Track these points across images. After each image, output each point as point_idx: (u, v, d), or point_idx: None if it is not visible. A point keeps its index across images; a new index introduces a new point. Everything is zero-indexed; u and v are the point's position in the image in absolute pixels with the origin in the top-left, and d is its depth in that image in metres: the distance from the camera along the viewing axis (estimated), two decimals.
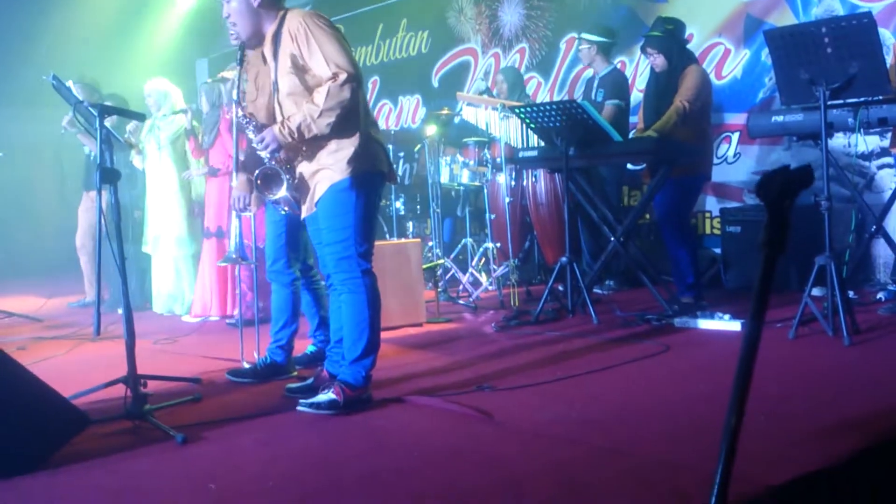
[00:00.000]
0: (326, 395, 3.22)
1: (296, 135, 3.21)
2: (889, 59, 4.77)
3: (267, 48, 3.36)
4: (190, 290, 6.25)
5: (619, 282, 6.31)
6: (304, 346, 4.19)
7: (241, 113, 3.46)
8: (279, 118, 3.33)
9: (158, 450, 2.88)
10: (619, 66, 6.52)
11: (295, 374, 3.95)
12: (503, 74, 7.03)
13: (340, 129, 3.22)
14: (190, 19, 10.65)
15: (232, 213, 4.25)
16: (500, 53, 8.49)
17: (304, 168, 3.36)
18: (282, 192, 3.36)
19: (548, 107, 5.08)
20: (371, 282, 3.29)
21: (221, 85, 5.56)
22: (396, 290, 5.05)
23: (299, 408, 3.21)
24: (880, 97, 4.11)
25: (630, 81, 7.12)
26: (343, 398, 3.20)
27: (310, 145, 3.28)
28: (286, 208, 3.48)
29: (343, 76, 3.13)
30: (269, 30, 3.34)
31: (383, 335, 4.72)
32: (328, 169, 3.27)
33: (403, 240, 5.94)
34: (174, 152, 6.29)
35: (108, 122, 3.53)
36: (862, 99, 4.13)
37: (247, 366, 4.00)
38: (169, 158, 6.28)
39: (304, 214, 3.43)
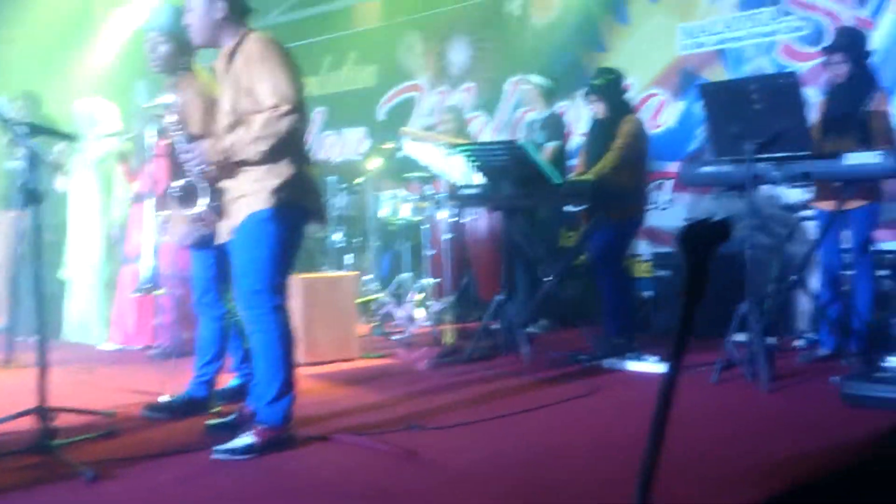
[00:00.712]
0: (244, 440, 3.11)
1: (225, 155, 3.16)
2: (813, 117, 4.99)
3: (220, 63, 3.31)
4: (105, 317, 6.05)
5: (553, 321, 6.40)
6: (228, 378, 4.08)
7: (173, 119, 3.43)
8: (215, 135, 3.29)
9: (65, 487, 2.76)
10: (559, 110, 6.69)
11: (217, 409, 3.79)
12: (451, 112, 7.15)
13: (270, 158, 3.15)
14: (133, 39, 10.52)
15: (147, 239, 4.17)
16: (447, 91, 8.61)
17: (227, 192, 3.29)
18: (199, 208, 3.30)
19: (491, 146, 5.19)
20: (283, 318, 3.20)
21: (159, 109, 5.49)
22: (330, 323, 5.05)
23: (215, 455, 3.07)
24: (803, 153, 4.29)
25: (571, 126, 7.32)
26: (262, 440, 3.11)
27: (237, 170, 3.22)
28: (202, 226, 3.41)
29: (284, 108, 3.07)
30: (227, 46, 3.28)
31: (314, 370, 4.74)
32: (250, 196, 3.18)
33: (339, 273, 5.96)
34: (100, 175, 6.09)
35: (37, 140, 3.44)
36: (786, 154, 4.30)
37: (167, 399, 3.85)
38: (94, 181, 6.09)
39: (218, 240, 3.37)
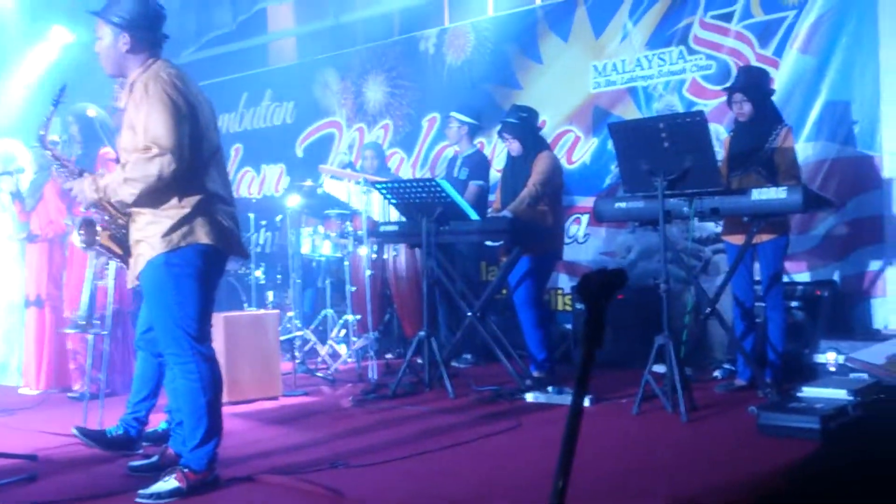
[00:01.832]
0: (168, 484, 3.05)
1: (102, 194, 3.12)
2: (721, 153, 5.20)
3: (124, 95, 3.26)
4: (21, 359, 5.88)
5: (477, 356, 6.44)
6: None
7: (49, 154, 3.39)
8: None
9: None
10: (479, 146, 6.80)
11: (141, 450, 3.74)
12: (372, 149, 7.18)
13: (154, 201, 3.08)
14: (47, 72, 10.25)
15: (87, 275, 4.09)
16: (365, 128, 8.65)
17: (131, 235, 3.22)
18: (102, 245, 3.27)
19: (408, 183, 5.22)
20: (207, 365, 3.13)
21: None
22: (252, 361, 4.97)
23: (139, 500, 3.01)
24: (712, 189, 4.45)
25: (488, 162, 7.44)
26: (186, 484, 3.06)
27: (132, 211, 3.17)
28: (113, 261, 3.38)
29: (154, 151, 2.98)
30: (131, 76, 3.23)
31: (237, 409, 4.66)
32: (146, 242, 3.12)
33: (261, 310, 5.88)
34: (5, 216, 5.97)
35: None
36: (696, 190, 4.46)
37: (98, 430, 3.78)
38: (9, 221, 5.96)
39: (129, 284, 3.32)
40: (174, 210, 3.10)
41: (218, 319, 5.00)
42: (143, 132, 3.04)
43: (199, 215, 3.13)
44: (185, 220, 3.10)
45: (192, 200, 3.13)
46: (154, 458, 3.42)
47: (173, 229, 3.09)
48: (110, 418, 3.94)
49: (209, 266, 3.19)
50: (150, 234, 3.10)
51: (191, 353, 3.11)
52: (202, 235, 3.13)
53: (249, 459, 3.60)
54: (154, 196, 3.06)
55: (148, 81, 3.10)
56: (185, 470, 3.11)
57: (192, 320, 3.12)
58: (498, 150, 7.13)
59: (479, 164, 6.30)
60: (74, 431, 3.71)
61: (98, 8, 3.29)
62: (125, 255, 3.35)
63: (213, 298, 3.28)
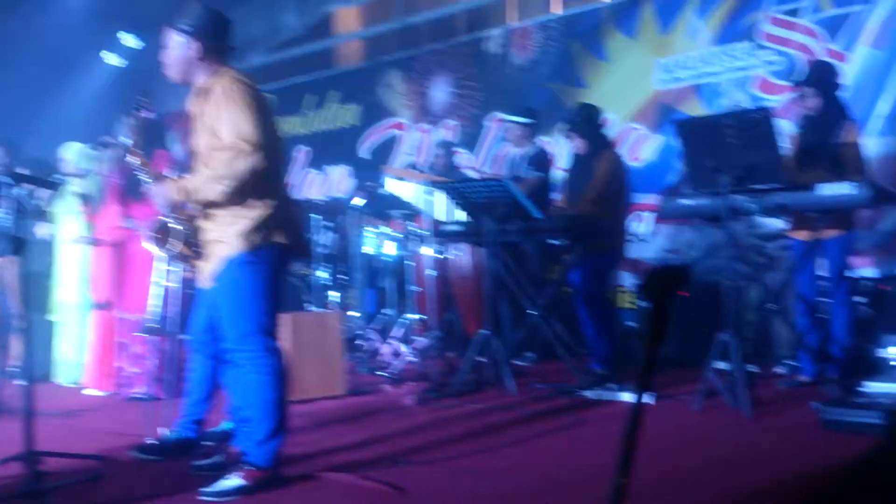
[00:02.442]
0: (233, 481, 3.10)
1: (188, 196, 3.18)
2: (788, 149, 5.11)
3: (194, 102, 3.33)
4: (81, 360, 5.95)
5: (539, 354, 6.43)
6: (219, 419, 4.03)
7: (137, 160, 3.47)
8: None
9: None
10: (544, 145, 6.79)
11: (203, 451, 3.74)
12: (442, 148, 7.21)
13: (236, 199, 3.15)
14: (115, 80, 10.60)
15: (156, 278, 4.19)
16: (430, 129, 8.72)
17: (206, 235, 3.29)
18: (176, 247, 3.32)
19: (472, 184, 5.26)
20: (276, 360, 3.20)
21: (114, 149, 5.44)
22: (315, 361, 5.06)
23: (202, 498, 3.05)
24: (778, 185, 4.39)
25: (554, 160, 7.43)
26: (251, 481, 3.10)
27: (209, 212, 3.23)
28: (189, 267, 3.44)
29: (243, 147, 3.06)
30: (200, 83, 3.31)
31: (300, 408, 4.72)
32: (224, 242, 3.19)
33: (324, 310, 5.98)
34: (77, 218, 6.06)
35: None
36: (762, 186, 4.40)
37: (157, 440, 3.83)
38: (74, 224, 6.06)
39: (201, 284, 3.38)
40: (254, 210, 3.18)
41: (284, 319, 5.10)
42: (228, 132, 3.11)
43: (276, 215, 3.23)
44: (265, 220, 3.19)
45: (271, 201, 3.22)
46: (219, 458, 3.46)
47: (254, 229, 3.17)
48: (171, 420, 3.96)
49: (281, 263, 3.30)
50: (230, 233, 3.18)
51: (262, 349, 3.18)
52: (279, 235, 3.23)
53: (312, 457, 3.64)
54: (238, 194, 3.14)
55: (228, 85, 3.18)
56: (249, 467, 3.14)
57: (266, 316, 3.21)
58: (563, 148, 7.10)
59: (540, 160, 6.30)
60: (135, 453, 3.72)
61: (168, 18, 3.38)
62: (194, 258, 3.43)
63: (281, 296, 3.36)
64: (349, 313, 6.46)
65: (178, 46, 3.32)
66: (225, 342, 3.28)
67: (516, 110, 6.43)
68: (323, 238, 6.94)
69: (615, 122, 7.07)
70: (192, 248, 3.35)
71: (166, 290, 4.38)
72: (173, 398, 4.14)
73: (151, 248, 3.60)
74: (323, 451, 3.77)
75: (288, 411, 3.27)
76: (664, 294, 1.51)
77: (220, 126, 3.15)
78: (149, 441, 3.84)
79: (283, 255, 3.29)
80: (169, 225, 3.36)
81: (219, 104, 3.17)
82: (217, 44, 3.35)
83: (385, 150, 9.03)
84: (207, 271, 3.29)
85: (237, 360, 3.26)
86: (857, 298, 5.28)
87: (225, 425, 3.96)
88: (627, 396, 4.70)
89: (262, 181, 3.16)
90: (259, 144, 3.09)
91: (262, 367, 3.19)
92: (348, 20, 10.66)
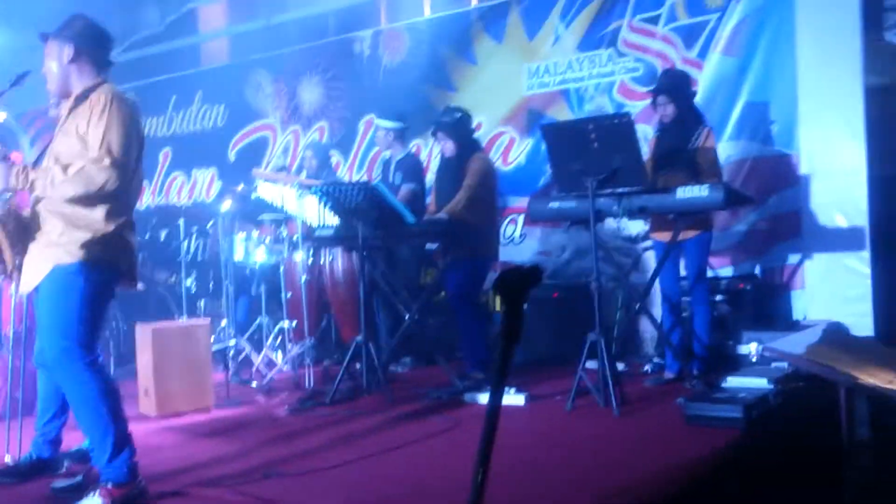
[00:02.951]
0: (91, 502, 3.00)
1: (33, 187, 3.14)
2: (647, 154, 5.32)
3: (65, 107, 3.31)
4: None
5: (416, 359, 6.45)
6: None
7: None
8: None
9: None
10: (414, 150, 6.81)
11: (63, 470, 3.58)
12: (312, 150, 7.09)
13: (81, 210, 3.13)
14: None
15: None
16: (300, 130, 8.60)
17: (39, 238, 3.21)
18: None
19: (343, 187, 5.20)
20: (98, 372, 3.13)
21: None
22: (183, 373, 4.89)
23: None
24: (640, 188, 4.56)
25: (425, 164, 7.47)
26: (111, 500, 3.01)
27: (45, 216, 3.18)
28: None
29: (107, 161, 3.08)
30: (79, 90, 3.28)
31: (167, 422, 4.59)
32: (57, 248, 3.13)
33: (191, 320, 5.79)
34: None
35: None
36: (624, 189, 4.57)
37: (8, 461, 3.64)
38: None
39: (22, 290, 3.30)
40: (97, 222, 3.16)
41: (147, 331, 4.94)
42: (96, 143, 3.11)
43: (117, 237, 3.22)
44: (105, 235, 3.16)
45: (118, 221, 3.21)
46: (78, 478, 3.33)
47: (94, 242, 3.14)
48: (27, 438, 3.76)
49: (111, 283, 3.28)
50: (66, 241, 3.12)
51: (83, 363, 3.10)
52: (114, 253, 3.21)
53: (180, 473, 3.53)
54: (83, 206, 3.12)
55: (108, 98, 3.18)
56: (109, 486, 3.05)
57: (87, 332, 3.13)
58: (435, 152, 7.16)
59: (412, 168, 6.31)
60: None
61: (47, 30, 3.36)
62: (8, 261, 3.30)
63: (105, 312, 3.35)
64: (219, 322, 6.28)
65: (56, 55, 3.31)
66: (44, 355, 3.21)
67: (387, 113, 6.41)
68: (190, 244, 6.73)
69: (486, 126, 7.18)
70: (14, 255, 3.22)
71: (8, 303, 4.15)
72: (25, 417, 3.94)
73: None
74: (191, 466, 3.66)
75: (125, 423, 3.19)
76: (516, 295, 1.54)
77: (91, 136, 3.14)
78: (6, 460, 3.66)
79: (113, 275, 3.26)
80: None
81: (94, 114, 3.16)
82: (97, 55, 3.36)
83: (254, 153, 8.83)
84: (31, 277, 3.19)
85: (58, 377, 3.20)
86: (716, 297, 5.56)
87: (86, 444, 3.80)
88: (504, 398, 4.75)
89: (113, 199, 3.18)
90: (121, 164, 3.12)
91: (85, 383, 3.11)
92: (213, 17, 10.36)
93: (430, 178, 6.85)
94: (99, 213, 3.15)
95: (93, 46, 3.35)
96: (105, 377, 3.16)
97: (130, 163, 3.19)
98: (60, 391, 3.56)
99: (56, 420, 3.64)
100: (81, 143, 3.15)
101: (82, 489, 3.18)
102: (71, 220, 3.13)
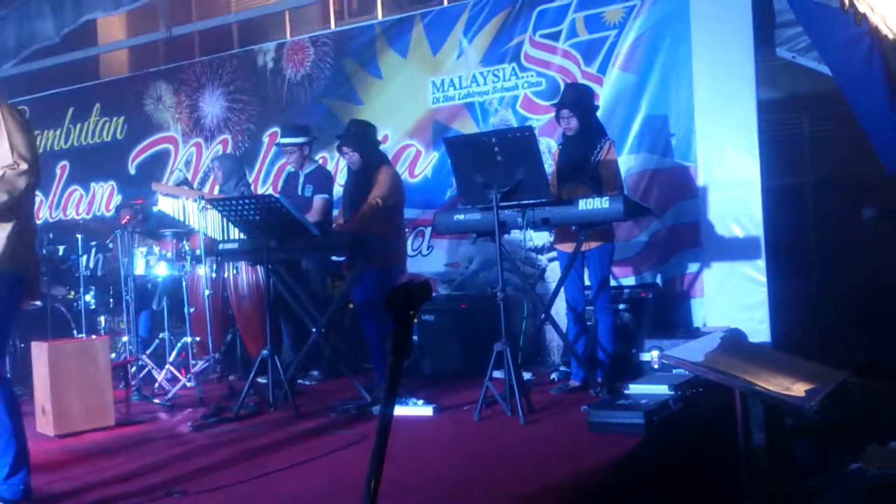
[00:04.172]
0: None
1: None
2: (551, 166, 5.43)
3: None
4: None
5: (324, 372, 6.39)
6: None
7: None
8: None
9: None
10: (321, 161, 6.77)
11: None
12: (219, 162, 6.94)
13: (2, 217, 3.13)
14: None
15: None
16: (202, 143, 8.44)
17: None
18: None
19: (244, 201, 5.12)
20: (5, 390, 3.09)
21: None
22: (81, 391, 4.73)
23: None
24: (543, 200, 4.65)
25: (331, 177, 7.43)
26: None
27: None
28: None
29: (23, 166, 3.12)
30: None
31: (64, 442, 4.43)
32: None
33: (90, 337, 5.61)
34: None
35: None
36: (528, 201, 4.65)
37: None
38: None
39: None
40: (8, 234, 3.13)
41: (42, 348, 4.76)
42: (6, 151, 3.13)
43: (24, 245, 3.20)
44: (14, 246, 3.14)
45: (24, 231, 3.20)
46: None
47: (6, 252, 3.11)
48: None
49: (15, 295, 3.23)
50: None
51: None
52: (19, 264, 3.17)
53: (79, 492, 3.43)
54: (3, 212, 3.12)
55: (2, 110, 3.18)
56: (2, 502, 2.98)
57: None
58: (341, 165, 7.13)
59: (322, 179, 6.26)
60: None
61: None
62: None
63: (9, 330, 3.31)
64: (120, 339, 6.08)
65: None
66: None
67: (291, 131, 6.35)
68: (90, 259, 6.51)
69: (392, 139, 7.19)
70: None
71: None
72: None
73: None
74: (91, 485, 3.55)
75: (26, 441, 3.14)
76: (406, 309, 1.56)
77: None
78: None
79: (17, 286, 3.22)
80: None
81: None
82: None
83: (155, 166, 8.62)
84: None
85: None
86: (619, 306, 5.69)
87: None
88: (409, 410, 4.76)
89: (27, 207, 3.24)
90: (35, 166, 3.18)
91: None
92: (112, 29, 10.10)
93: (337, 190, 6.82)
94: (9, 221, 3.14)
95: None
96: (11, 393, 3.11)
97: (38, 168, 3.22)
98: None
99: None
100: None
101: None
102: None
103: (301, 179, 6.30)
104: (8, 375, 3.13)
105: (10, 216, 3.15)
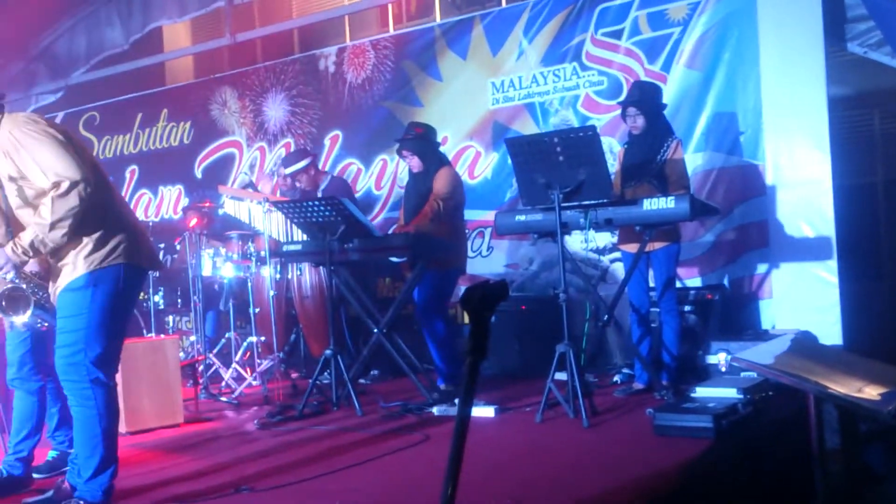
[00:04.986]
0: None
1: (30, 252, 3.06)
2: (615, 166, 5.37)
3: None
4: None
5: (384, 372, 6.44)
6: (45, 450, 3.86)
7: None
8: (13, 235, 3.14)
9: None
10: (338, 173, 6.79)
11: (29, 488, 3.58)
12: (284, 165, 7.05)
13: (78, 231, 3.08)
14: None
15: None
16: (266, 147, 8.56)
17: (54, 267, 3.20)
18: (25, 318, 3.20)
19: (310, 203, 5.19)
20: (103, 392, 3.10)
21: None
22: (152, 389, 4.84)
23: None
24: (606, 200, 4.59)
25: (392, 178, 7.47)
26: None
27: (55, 254, 3.14)
28: (37, 324, 3.30)
29: (65, 184, 2.99)
30: None
31: (136, 439, 4.54)
32: (67, 265, 3.12)
33: (160, 336, 5.74)
34: None
35: None
36: (591, 202, 4.60)
37: None
38: None
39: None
40: (95, 234, 3.11)
41: None
42: (39, 175, 3.02)
43: (116, 233, 3.16)
44: (103, 240, 3.12)
45: (109, 220, 3.16)
46: (49, 493, 3.30)
47: (94, 250, 3.10)
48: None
49: (127, 287, 3.19)
50: (72, 258, 3.11)
51: (88, 380, 3.07)
52: (122, 255, 3.15)
53: (150, 489, 3.49)
54: (78, 228, 3.06)
55: (10, 138, 3.06)
56: (80, 502, 3.03)
57: (98, 345, 3.09)
58: (401, 167, 7.17)
59: (340, 189, 6.34)
60: None
61: None
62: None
63: (126, 322, 3.28)
64: (187, 338, 6.21)
65: None
66: (21, 374, 3.26)
67: (289, 158, 6.53)
68: None
69: (452, 141, 7.20)
70: (37, 312, 3.20)
71: None
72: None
73: (4, 318, 3.35)
74: (161, 482, 3.62)
75: (116, 445, 3.17)
76: (482, 309, 1.54)
77: (30, 175, 3.05)
78: None
79: (128, 275, 3.19)
80: (16, 292, 3.19)
81: (14, 156, 3.05)
82: None
83: (220, 169, 8.78)
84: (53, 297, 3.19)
85: (65, 390, 3.16)
86: (684, 307, 5.60)
87: (51, 454, 3.85)
88: (474, 411, 4.75)
89: (95, 210, 3.10)
90: (81, 174, 3.01)
91: (86, 399, 3.08)
92: (177, 36, 10.32)
93: (398, 192, 6.86)
94: (91, 224, 3.10)
95: None
96: (108, 397, 3.11)
97: (84, 164, 3.05)
98: (35, 412, 3.62)
99: (30, 439, 3.64)
100: (23, 186, 3.08)
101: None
102: (72, 243, 3.10)
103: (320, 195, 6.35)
104: (103, 378, 3.08)
105: (90, 224, 3.10)
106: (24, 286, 3.20)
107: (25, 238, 3.05)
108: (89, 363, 3.06)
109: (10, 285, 3.18)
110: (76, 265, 3.09)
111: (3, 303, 3.19)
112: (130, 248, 3.20)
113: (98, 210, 3.11)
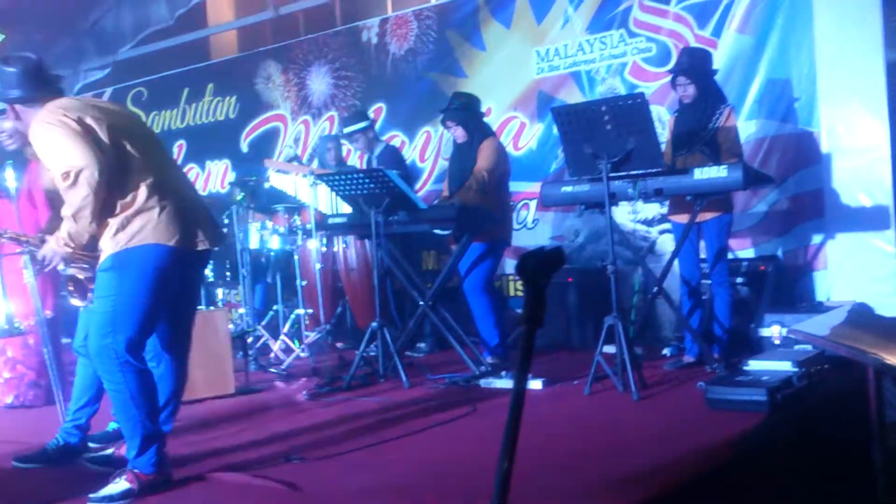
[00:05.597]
0: (119, 486, 3.00)
1: (72, 242, 3.09)
2: (665, 135, 5.26)
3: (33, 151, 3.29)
4: None
5: (431, 344, 6.44)
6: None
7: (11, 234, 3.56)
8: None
9: None
10: (386, 140, 6.78)
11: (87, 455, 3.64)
12: (333, 142, 7.06)
13: (103, 214, 3.08)
14: None
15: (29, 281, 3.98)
16: (310, 120, 8.57)
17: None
18: (87, 302, 3.33)
19: (354, 176, 5.18)
20: (135, 376, 3.04)
21: None
22: (203, 360, 4.88)
23: (90, 503, 2.96)
24: (655, 170, 4.50)
25: (436, 150, 7.43)
26: (138, 485, 3.02)
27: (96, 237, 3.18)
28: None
29: (72, 174, 2.96)
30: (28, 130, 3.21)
31: (189, 409, 4.60)
32: (104, 249, 3.15)
33: (210, 308, 5.80)
34: None
35: None
36: (640, 171, 4.51)
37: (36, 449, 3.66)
38: None
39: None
40: (121, 213, 3.10)
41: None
42: (55, 168, 3.04)
43: (148, 213, 3.09)
44: (129, 221, 3.08)
45: (138, 201, 3.09)
46: (110, 451, 3.42)
47: (119, 230, 3.08)
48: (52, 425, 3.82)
49: (158, 268, 3.10)
50: (104, 240, 3.12)
51: (117, 364, 3.03)
52: (150, 235, 3.08)
53: (203, 458, 3.54)
54: (102, 211, 3.06)
55: (35, 126, 3.12)
56: (136, 470, 3.07)
57: (128, 327, 3.04)
58: (446, 137, 7.12)
59: (392, 158, 6.32)
60: (16, 463, 3.59)
61: None
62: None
63: (162, 303, 3.17)
64: (237, 310, 6.29)
65: (11, 115, 3.30)
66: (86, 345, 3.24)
67: (349, 118, 6.43)
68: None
69: (496, 112, 7.13)
70: None
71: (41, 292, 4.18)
72: (54, 404, 4.00)
73: (76, 303, 3.48)
74: (214, 451, 3.67)
75: (157, 421, 3.16)
76: (538, 276, 1.49)
77: (51, 167, 3.09)
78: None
79: (161, 256, 3.09)
80: (77, 276, 3.31)
81: (39, 145, 3.11)
82: (38, 91, 3.25)
83: (266, 143, 8.82)
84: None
85: (99, 374, 3.19)
86: (737, 279, 5.49)
87: (112, 425, 3.88)
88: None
89: (124, 184, 3.08)
90: (85, 160, 2.97)
91: (118, 384, 3.05)
92: (221, 10, 10.35)
93: (442, 164, 6.82)
94: (111, 206, 3.08)
95: (34, 87, 3.25)
96: (140, 379, 3.07)
97: (91, 149, 3.00)
98: (96, 380, 3.58)
99: (88, 407, 3.69)
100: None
101: (112, 462, 3.27)
102: (105, 225, 3.12)
103: (374, 164, 6.33)
104: (133, 362, 3.05)
105: (110, 206, 3.07)
106: (80, 275, 3.30)
107: (63, 230, 3.10)
108: (119, 347, 3.02)
109: (69, 272, 3.27)
110: (105, 247, 3.11)
111: (72, 288, 3.32)
112: (166, 227, 3.10)
113: (124, 190, 3.08)
